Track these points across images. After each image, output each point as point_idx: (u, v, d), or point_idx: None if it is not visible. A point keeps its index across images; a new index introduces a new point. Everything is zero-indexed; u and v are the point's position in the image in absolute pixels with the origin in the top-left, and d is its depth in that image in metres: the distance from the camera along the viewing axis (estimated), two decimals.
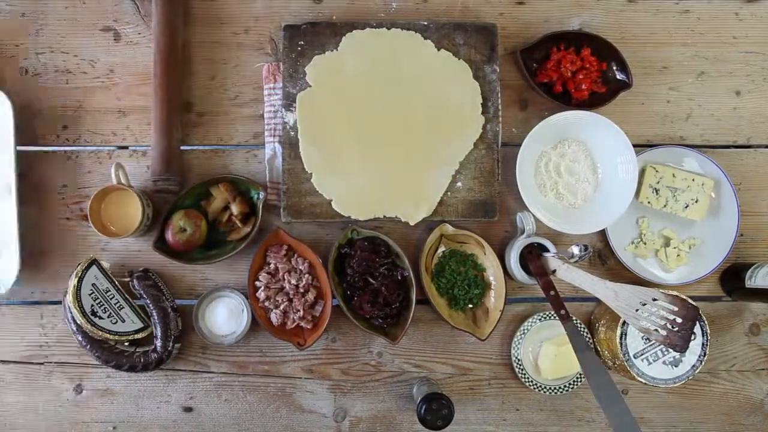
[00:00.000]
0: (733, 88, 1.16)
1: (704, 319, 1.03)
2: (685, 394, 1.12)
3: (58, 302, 1.09)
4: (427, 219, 1.08)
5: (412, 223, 1.08)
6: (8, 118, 1.04)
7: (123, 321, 1.04)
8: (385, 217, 1.07)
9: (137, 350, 1.05)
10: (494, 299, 1.09)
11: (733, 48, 1.17)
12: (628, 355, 1.02)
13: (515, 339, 1.09)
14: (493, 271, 1.09)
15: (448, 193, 1.09)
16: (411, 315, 1.05)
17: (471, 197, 1.09)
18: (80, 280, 1.02)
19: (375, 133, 1.09)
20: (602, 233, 1.11)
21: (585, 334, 1.10)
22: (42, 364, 1.09)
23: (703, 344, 1.03)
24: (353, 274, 1.05)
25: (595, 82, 1.11)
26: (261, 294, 1.06)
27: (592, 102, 1.12)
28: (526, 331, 1.09)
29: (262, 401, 1.10)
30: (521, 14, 1.15)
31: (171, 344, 1.04)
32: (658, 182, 1.10)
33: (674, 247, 1.11)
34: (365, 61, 1.09)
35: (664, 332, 0.92)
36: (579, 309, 1.13)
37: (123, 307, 1.04)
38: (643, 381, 1.02)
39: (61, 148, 1.10)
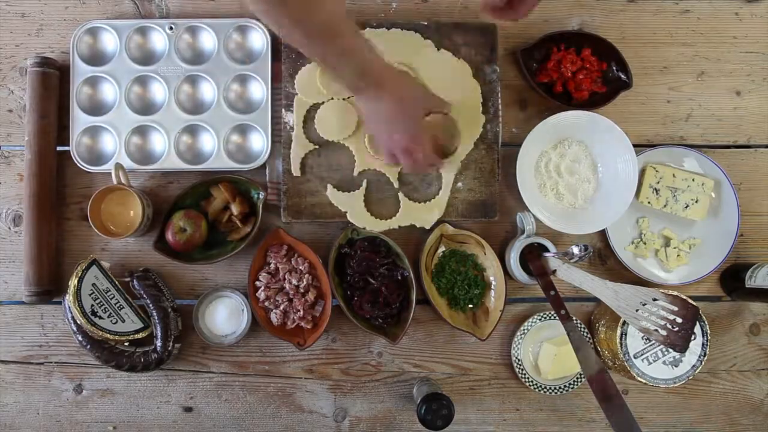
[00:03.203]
0: (733, 88, 1.16)
1: (704, 319, 1.03)
2: (685, 394, 1.12)
3: (58, 302, 1.09)
4: None
5: (427, 227, 1.08)
6: None
7: (123, 321, 1.04)
8: (400, 227, 1.07)
9: (137, 350, 1.05)
10: (494, 299, 1.09)
11: (733, 48, 1.17)
12: (628, 355, 1.02)
13: (515, 339, 1.09)
14: (493, 271, 1.09)
15: (449, 193, 1.09)
16: (411, 315, 1.05)
17: (471, 197, 1.09)
18: (80, 280, 1.02)
19: None
20: (602, 233, 1.11)
21: (585, 334, 1.10)
22: (42, 364, 1.09)
23: (703, 344, 1.03)
24: (353, 274, 1.05)
25: (595, 82, 1.11)
26: (261, 294, 1.06)
27: (592, 102, 1.12)
28: (526, 331, 1.09)
29: (262, 401, 1.10)
30: None
31: (171, 344, 1.04)
32: (658, 182, 1.10)
33: (674, 247, 1.11)
34: None
35: (664, 332, 0.92)
36: (579, 309, 1.13)
37: (123, 307, 1.04)
38: (643, 381, 1.02)
39: (62, 148, 1.10)
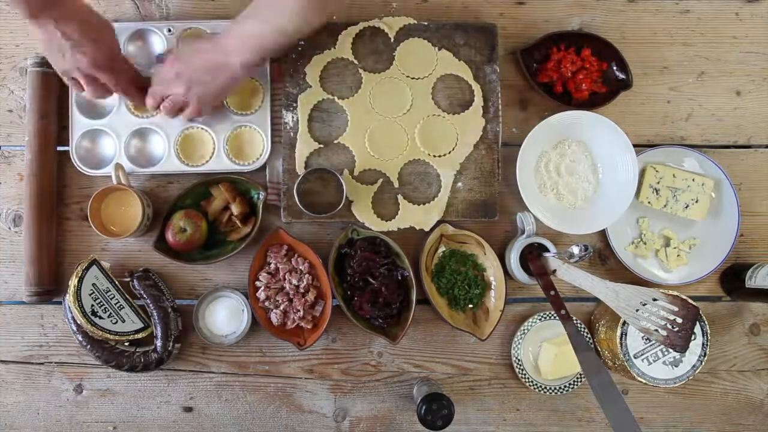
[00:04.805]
0: (733, 88, 1.16)
1: (704, 319, 1.03)
2: (685, 394, 1.12)
3: (58, 302, 1.09)
4: None
5: (426, 230, 1.08)
6: None
7: (123, 321, 1.04)
8: (399, 229, 1.07)
9: (137, 350, 1.05)
10: (494, 299, 1.09)
11: (733, 48, 1.17)
12: (628, 355, 1.02)
13: (515, 339, 1.09)
14: (493, 271, 1.09)
15: (449, 194, 1.09)
16: (411, 315, 1.05)
17: (471, 197, 1.09)
18: (80, 280, 1.02)
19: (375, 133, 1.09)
20: (602, 233, 1.11)
21: (585, 334, 1.10)
22: (42, 364, 1.09)
23: (703, 344, 1.03)
24: (353, 274, 1.05)
25: (595, 82, 1.11)
26: (261, 294, 1.06)
27: (592, 102, 1.12)
28: (526, 331, 1.09)
29: (262, 401, 1.10)
30: (521, 14, 1.15)
31: (171, 344, 1.04)
32: (658, 182, 1.10)
33: (674, 247, 1.11)
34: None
35: (664, 332, 0.92)
36: (579, 309, 1.13)
37: (123, 307, 1.04)
38: (643, 381, 1.02)
39: (62, 148, 1.10)
